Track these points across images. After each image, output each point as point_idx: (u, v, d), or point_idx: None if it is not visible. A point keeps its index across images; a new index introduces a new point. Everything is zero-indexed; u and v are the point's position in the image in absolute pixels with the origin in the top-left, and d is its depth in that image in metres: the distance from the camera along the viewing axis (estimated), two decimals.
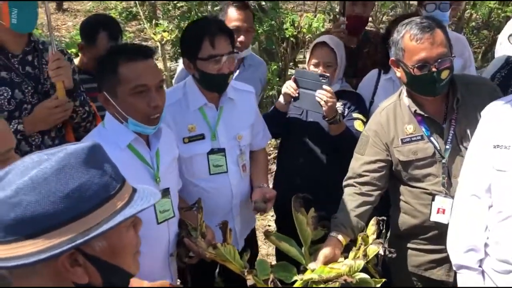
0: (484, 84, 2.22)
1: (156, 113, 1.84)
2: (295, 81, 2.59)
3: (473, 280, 1.92)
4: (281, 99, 2.69)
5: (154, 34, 5.21)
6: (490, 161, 1.88)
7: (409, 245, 2.29)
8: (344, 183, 2.29)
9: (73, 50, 4.66)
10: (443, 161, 2.12)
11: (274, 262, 3.31)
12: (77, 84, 2.44)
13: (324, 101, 2.45)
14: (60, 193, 0.96)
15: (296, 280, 1.92)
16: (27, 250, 0.94)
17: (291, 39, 5.79)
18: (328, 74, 2.53)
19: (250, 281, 1.92)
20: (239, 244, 2.52)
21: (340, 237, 2.09)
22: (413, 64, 2.02)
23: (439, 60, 1.99)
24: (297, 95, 2.58)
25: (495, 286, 1.88)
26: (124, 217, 1.03)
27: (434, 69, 2.00)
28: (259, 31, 5.31)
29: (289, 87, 2.60)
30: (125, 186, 1.08)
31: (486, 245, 1.91)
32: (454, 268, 2.00)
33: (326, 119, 2.53)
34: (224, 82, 2.26)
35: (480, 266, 1.93)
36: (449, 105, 2.13)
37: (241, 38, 2.87)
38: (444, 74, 2.02)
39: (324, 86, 2.47)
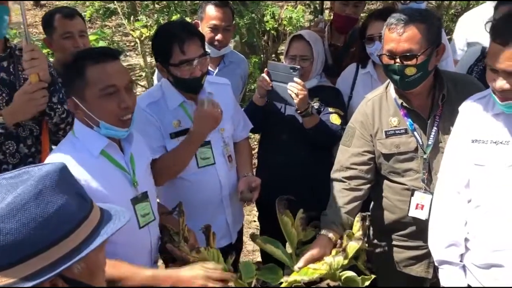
0: (472, 84, 2.20)
1: (127, 113, 1.80)
2: (268, 74, 2.59)
3: (455, 275, 1.95)
4: (257, 92, 2.69)
5: (133, 31, 5.14)
6: (469, 156, 1.89)
7: (389, 241, 2.29)
8: (332, 176, 2.29)
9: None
10: (424, 156, 2.13)
11: (259, 258, 3.32)
12: (55, 78, 2.33)
13: (295, 93, 2.47)
14: (40, 218, 0.95)
15: (282, 282, 1.92)
16: (8, 279, 0.93)
17: (272, 31, 5.76)
18: (298, 67, 2.54)
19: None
20: (233, 238, 2.55)
21: (330, 235, 2.08)
22: (384, 52, 2.06)
23: (405, 55, 1.99)
24: (270, 88, 2.59)
25: (480, 286, 1.90)
26: (102, 238, 1.03)
27: (398, 63, 2.01)
28: (240, 24, 5.27)
29: (262, 80, 2.60)
30: (94, 206, 1.08)
31: (466, 239, 1.94)
32: (436, 264, 2.02)
33: (298, 111, 2.55)
34: (198, 84, 2.27)
35: (461, 261, 1.95)
36: (435, 101, 2.14)
37: (219, 36, 2.87)
38: (410, 71, 2.00)
39: (295, 79, 2.48)
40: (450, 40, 3.56)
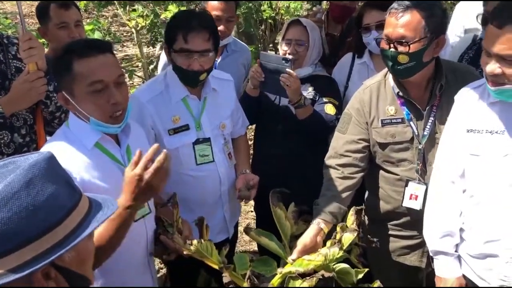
0: (470, 73, 2.17)
1: (117, 110, 1.75)
2: (261, 65, 2.57)
3: (450, 266, 1.95)
4: (250, 83, 2.67)
5: (129, 21, 5.09)
6: (464, 146, 1.88)
7: (383, 230, 2.30)
8: (326, 162, 2.26)
9: None
10: (419, 147, 2.12)
11: (255, 248, 3.32)
12: (49, 67, 2.24)
13: (287, 84, 2.45)
14: (32, 206, 0.94)
15: (276, 274, 1.91)
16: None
17: (269, 21, 5.72)
18: (290, 57, 2.52)
19: (227, 278, 1.91)
20: (230, 233, 2.54)
21: (322, 225, 2.06)
22: (382, 36, 2.04)
23: (399, 41, 1.96)
24: (263, 79, 2.57)
25: (475, 276, 1.90)
26: (93, 226, 1.03)
27: (392, 48, 1.98)
28: (237, 14, 5.23)
29: (255, 71, 2.58)
30: (83, 195, 1.08)
31: (461, 230, 1.93)
32: (430, 254, 2.02)
33: (291, 103, 2.53)
34: (195, 78, 2.24)
35: (456, 251, 1.95)
36: (433, 91, 2.11)
37: (221, 27, 2.85)
38: (402, 59, 1.97)
39: (287, 70, 2.46)
40: None
